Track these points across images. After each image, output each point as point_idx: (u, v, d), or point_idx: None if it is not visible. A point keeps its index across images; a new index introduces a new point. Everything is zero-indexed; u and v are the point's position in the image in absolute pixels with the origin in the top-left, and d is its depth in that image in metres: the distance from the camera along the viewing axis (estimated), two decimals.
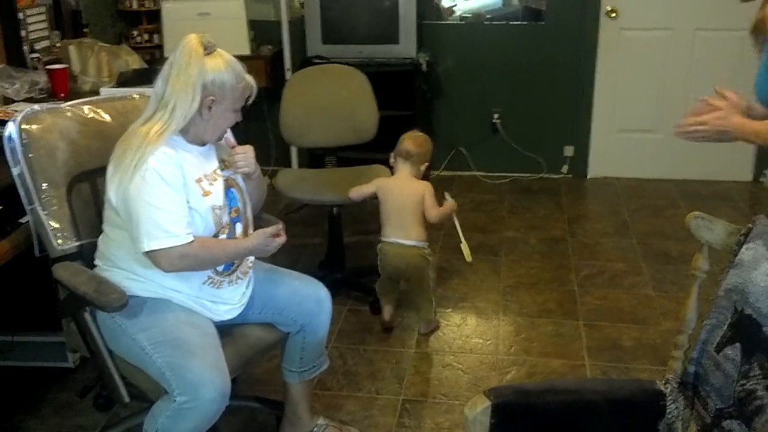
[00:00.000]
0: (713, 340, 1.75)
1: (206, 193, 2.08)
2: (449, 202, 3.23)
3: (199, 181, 2.08)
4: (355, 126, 3.61)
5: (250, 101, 2.16)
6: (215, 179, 2.14)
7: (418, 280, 3.19)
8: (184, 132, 2.06)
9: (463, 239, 3.31)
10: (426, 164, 3.25)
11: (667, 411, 1.78)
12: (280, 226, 2.20)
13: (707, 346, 1.77)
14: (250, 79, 2.12)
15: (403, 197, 3.15)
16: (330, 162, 3.74)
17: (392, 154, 3.26)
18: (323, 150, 3.81)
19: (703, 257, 1.84)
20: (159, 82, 2.05)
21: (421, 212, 3.15)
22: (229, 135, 2.27)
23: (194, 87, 1.99)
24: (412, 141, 3.21)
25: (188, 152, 2.08)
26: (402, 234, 3.14)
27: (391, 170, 3.29)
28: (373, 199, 3.29)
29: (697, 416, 1.77)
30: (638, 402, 1.80)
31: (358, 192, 3.24)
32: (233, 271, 2.21)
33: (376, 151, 3.43)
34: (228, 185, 2.18)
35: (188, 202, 2.03)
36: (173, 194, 1.99)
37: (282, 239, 2.18)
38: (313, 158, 4.45)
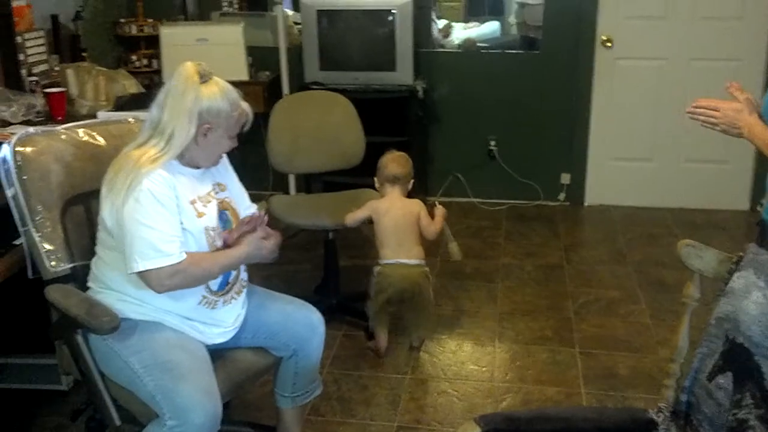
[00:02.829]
0: (705, 368, 1.74)
1: (200, 215, 2.09)
2: (439, 209, 3.24)
3: (193, 202, 2.08)
4: (342, 151, 3.62)
5: (246, 128, 2.18)
6: (209, 201, 2.15)
7: (421, 299, 3.18)
8: (179, 156, 2.07)
9: (452, 239, 3.33)
10: (412, 180, 3.27)
11: None
12: (264, 215, 2.21)
13: (699, 375, 1.76)
14: (245, 106, 2.14)
15: (399, 217, 3.17)
16: (316, 188, 3.75)
17: (376, 180, 3.27)
18: (311, 175, 3.81)
19: (694, 285, 1.83)
20: (154, 108, 2.06)
21: (418, 231, 3.17)
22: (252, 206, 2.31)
23: (190, 115, 2.01)
24: (395, 164, 3.23)
25: (182, 174, 2.09)
26: (404, 254, 3.14)
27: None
28: (369, 223, 3.29)
29: None
30: (630, 431, 1.79)
31: (353, 218, 3.25)
32: (228, 291, 2.20)
33: (371, 175, 3.43)
34: (222, 207, 2.19)
35: (182, 224, 2.03)
36: (166, 214, 1.99)
37: (273, 241, 2.22)
38: (310, 183, 4.45)
